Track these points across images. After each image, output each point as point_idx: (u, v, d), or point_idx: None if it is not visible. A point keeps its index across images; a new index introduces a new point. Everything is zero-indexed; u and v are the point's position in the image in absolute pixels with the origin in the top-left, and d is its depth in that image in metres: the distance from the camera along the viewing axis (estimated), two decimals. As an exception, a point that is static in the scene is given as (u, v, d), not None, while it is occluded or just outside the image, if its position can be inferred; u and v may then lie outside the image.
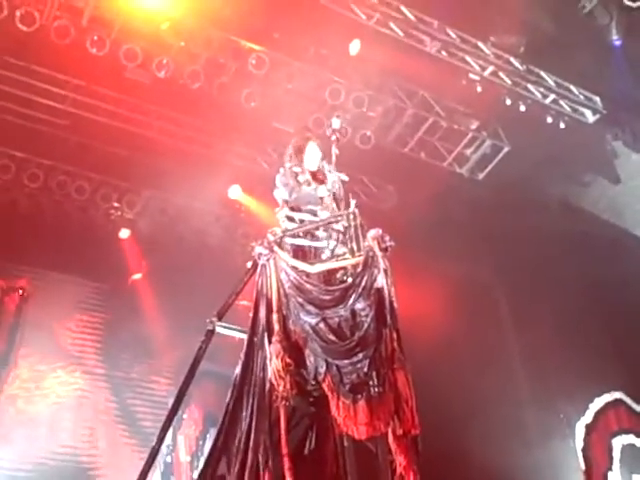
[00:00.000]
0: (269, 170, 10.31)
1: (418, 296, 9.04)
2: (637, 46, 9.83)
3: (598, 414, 10.65)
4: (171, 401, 6.13)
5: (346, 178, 5.77)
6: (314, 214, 5.67)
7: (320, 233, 5.58)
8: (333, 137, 5.81)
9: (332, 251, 5.53)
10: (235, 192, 10.48)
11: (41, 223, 9.91)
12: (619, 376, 10.32)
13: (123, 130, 9.71)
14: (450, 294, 9.98)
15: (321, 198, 5.67)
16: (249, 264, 5.90)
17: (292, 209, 5.71)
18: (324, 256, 5.53)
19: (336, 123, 5.93)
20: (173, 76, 9.19)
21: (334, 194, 5.72)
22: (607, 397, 10.66)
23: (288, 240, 5.53)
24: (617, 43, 9.95)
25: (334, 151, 5.86)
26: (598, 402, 10.66)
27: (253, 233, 10.24)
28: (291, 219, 5.66)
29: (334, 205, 5.75)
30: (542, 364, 10.57)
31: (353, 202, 5.52)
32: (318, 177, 5.79)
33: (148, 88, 9.42)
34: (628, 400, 10.62)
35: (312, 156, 5.85)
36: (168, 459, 9.53)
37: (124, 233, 10.44)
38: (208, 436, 9.68)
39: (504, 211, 10.45)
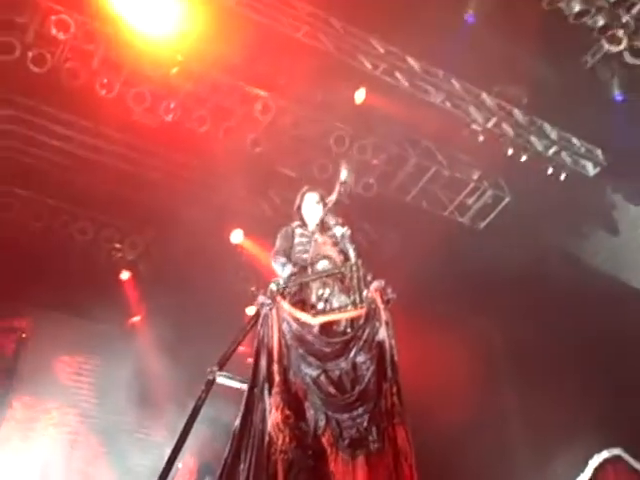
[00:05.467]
0: (272, 214, 10.40)
1: (415, 345, 8.99)
2: (638, 101, 9.93)
3: (597, 471, 10.51)
4: (167, 448, 6.08)
5: (349, 232, 5.77)
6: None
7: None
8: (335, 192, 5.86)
9: (332, 302, 5.54)
10: (237, 236, 10.53)
11: (43, 262, 9.90)
12: (618, 433, 10.20)
13: (128, 172, 9.81)
14: (448, 344, 9.94)
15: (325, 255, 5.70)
16: (249, 310, 5.88)
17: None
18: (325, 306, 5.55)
19: (344, 174, 5.98)
20: (180, 120, 9.30)
21: (339, 247, 5.74)
22: (606, 453, 10.54)
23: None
24: (619, 98, 10.07)
25: (334, 198, 5.91)
26: (597, 459, 10.53)
27: (254, 277, 10.30)
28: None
29: (337, 255, 5.78)
30: (540, 419, 10.47)
31: (352, 253, 5.55)
32: (324, 229, 5.83)
33: (155, 131, 9.50)
34: (627, 457, 10.49)
35: (311, 210, 5.92)
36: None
37: (125, 275, 10.48)
38: (202, 486, 9.60)
39: (504, 261, 10.45)
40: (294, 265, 5.67)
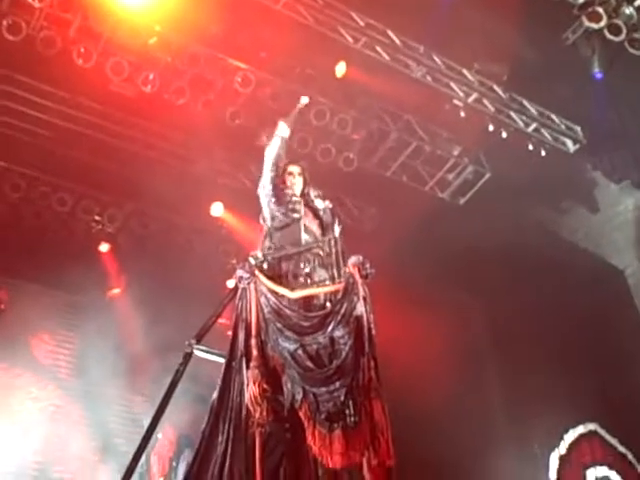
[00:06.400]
0: (251, 187, 10.34)
1: (395, 319, 9.05)
2: (618, 79, 9.94)
3: (572, 445, 10.64)
4: (146, 419, 6.11)
5: (330, 205, 5.78)
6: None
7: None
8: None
9: (312, 276, 5.56)
10: (217, 209, 10.47)
11: (21, 234, 9.84)
12: (594, 407, 10.33)
13: (107, 143, 9.69)
14: (428, 318, 10.00)
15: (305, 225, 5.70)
16: (229, 283, 5.87)
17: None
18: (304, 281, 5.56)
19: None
20: (159, 91, 9.18)
21: (321, 219, 5.74)
22: (581, 429, 10.67)
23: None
24: (598, 75, 10.08)
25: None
26: (572, 433, 10.67)
27: (234, 250, 10.27)
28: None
29: (317, 229, 5.78)
30: (518, 393, 10.60)
31: (337, 228, 5.57)
32: (305, 202, 5.81)
33: (133, 102, 9.40)
34: (602, 432, 10.62)
35: (294, 182, 5.88)
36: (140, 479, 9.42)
37: (104, 247, 10.43)
38: (182, 457, 9.62)
39: (484, 237, 10.52)
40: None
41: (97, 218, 10.36)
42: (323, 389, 4.94)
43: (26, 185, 9.82)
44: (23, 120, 9.42)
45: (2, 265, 9.52)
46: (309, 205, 5.82)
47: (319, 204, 5.75)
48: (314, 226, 5.75)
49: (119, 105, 9.47)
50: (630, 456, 10.20)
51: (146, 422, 5.81)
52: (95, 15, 8.61)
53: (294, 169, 5.97)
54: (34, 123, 9.45)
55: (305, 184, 5.91)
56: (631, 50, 9.40)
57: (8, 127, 9.39)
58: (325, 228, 5.71)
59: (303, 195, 5.89)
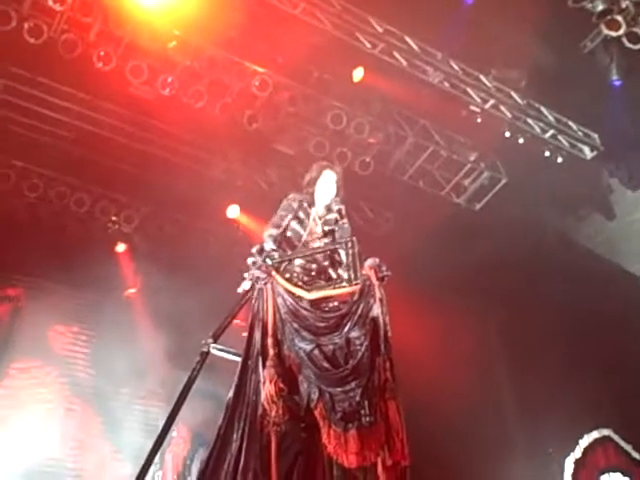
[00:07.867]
0: (268, 191, 10.42)
1: (410, 324, 9.06)
2: (636, 87, 9.93)
3: (587, 450, 10.63)
4: (161, 418, 6.14)
5: (347, 225, 5.70)
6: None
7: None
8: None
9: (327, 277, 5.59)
10: (233, 211, 10.53)
11: (38, 233, 9.93)
12: (608, 413, 10.31)
13: (125, 145, 9.79)
14: (442, 324, 10.00)
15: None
16: (245, 284, 5.90)
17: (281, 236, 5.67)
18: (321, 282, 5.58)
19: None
20: (177, 94, 9.25)
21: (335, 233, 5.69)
22: (596, 434, 10.64)
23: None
24: (616, 83, 10.06)
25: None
26: (587, 438, 10.64)
27: (249, 253, 10.30)
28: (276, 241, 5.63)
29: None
30: (533, 399, 10.57)
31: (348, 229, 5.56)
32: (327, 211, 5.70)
33: (152, 105, 9.47)
34: (616, 437, 10.59)
35: (324, 188, 5.76)
36: (155, 477, 9.45)
37: (120, 247, 10.51)
38: (196, 456, 9.65)
39: (499, 242, 10.52)
40: (278, 245, 5.63)
41: (114, 219, 10.44)
42: (339, 389, 4.96)
43: (44, 185, 9.92)
44: (42, 121, 9.54)
45: (19, 263, 9.62)
46: (327, 215, 5.72)
47: (338, 217, 5.64)
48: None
49: (138, 108, 9.56)
50: (644, 462, 10.17)
51: (161, 421, 5.84)
52: (115, 19, 8.69)
53: (330, 176, 5.82)
54: (53, 124, 9.56)
55: (336, 193, 5.76)
56: (650, 58, 9.39)
57: (28, 128, 9.51)
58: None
59: (328, 207, 5.72)
